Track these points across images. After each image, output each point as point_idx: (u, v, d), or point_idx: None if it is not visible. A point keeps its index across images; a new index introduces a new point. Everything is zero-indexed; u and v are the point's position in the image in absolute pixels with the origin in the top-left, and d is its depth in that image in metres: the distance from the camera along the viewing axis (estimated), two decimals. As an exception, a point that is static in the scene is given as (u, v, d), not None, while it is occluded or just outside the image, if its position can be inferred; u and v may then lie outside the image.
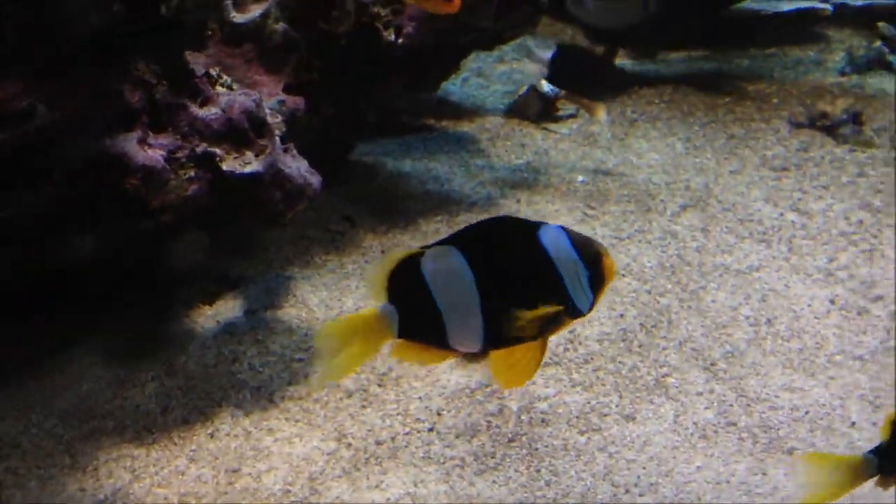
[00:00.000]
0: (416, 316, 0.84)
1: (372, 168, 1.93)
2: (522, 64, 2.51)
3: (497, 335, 0.84)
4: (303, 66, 1.56)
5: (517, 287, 0.84)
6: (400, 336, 0.84)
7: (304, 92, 1.58)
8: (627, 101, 2.21)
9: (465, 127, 2.14)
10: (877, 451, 0.94)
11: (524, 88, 2.17)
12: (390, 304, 0.84)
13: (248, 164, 1.24)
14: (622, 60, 2.38)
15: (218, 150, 1.24)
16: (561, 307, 0.84)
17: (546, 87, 2.15)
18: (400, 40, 1.64)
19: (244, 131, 1.26)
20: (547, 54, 2.18)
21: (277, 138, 1.30)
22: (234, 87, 1.33)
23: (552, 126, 2.12)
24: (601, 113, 2.12)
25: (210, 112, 1.25)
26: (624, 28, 2.25)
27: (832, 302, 1.48)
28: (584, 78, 2.21)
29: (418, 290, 0.84)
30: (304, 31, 1.56)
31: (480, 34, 1.77)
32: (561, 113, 2.16)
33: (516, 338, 0.85)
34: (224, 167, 1.23)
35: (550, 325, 0.85)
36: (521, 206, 1.77)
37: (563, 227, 0.85)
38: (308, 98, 1.60)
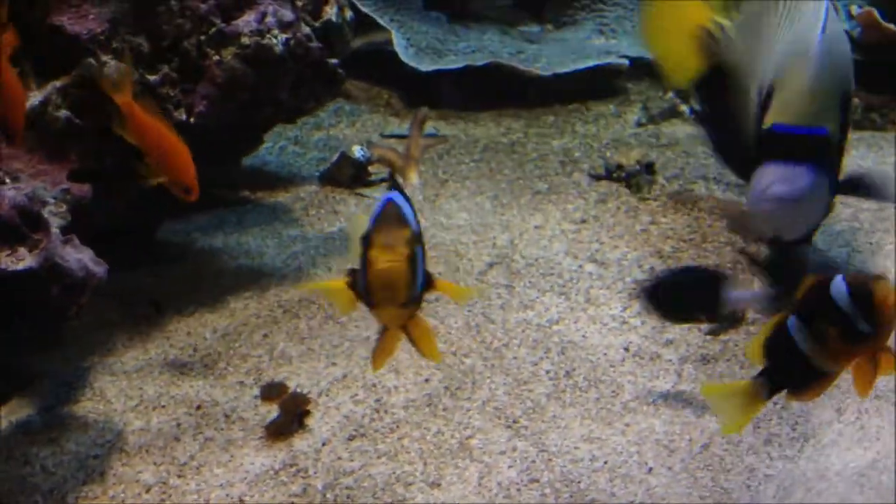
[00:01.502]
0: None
1: (181, 246, 1.90)
2: (339, 129, 2.54)
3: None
4: (89, 153, 1.53)
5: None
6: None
7: (97, 177, 1.55)
8: (438, 161, 2.27)
9: (280, 196, 2.15)
10: (762, 374, 1.12)
11: (335, 156, 2.19)
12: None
13: (22, 260, 1.21)
14: (433, 123, 2.43)
15: (-12, 249, 1.20)
16: None
17: (357, 152, 2.18)
18: (192, 119, 1.63)
19: (16, 227, 1.22)
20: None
21: (55, 231, 1.27)
22: (7, 180, 1.30)
23: (365, 191, 2.15)
24: (413, 176, 2.17)
25: (-22, 210, 1.20)
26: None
27: (626, 349, 1.54)
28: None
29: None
30: (90, 117, 1.53)
31: (279, 108, 1.78)
32: (374, 177, 2.19)
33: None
34: (-5, 266, 1.19)
35: None
36: (333, 275, 1.78)
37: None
38: (103, 182, 1.57)
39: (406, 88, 2.67)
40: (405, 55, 2.59)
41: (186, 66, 1.64)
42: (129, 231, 1.75)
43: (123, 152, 1.62)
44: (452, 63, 2.60)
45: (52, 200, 1.41)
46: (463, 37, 2.84)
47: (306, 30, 1.75)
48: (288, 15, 1.70)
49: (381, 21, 2.70)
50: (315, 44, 1.75)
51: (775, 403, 1.31)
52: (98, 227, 1.56)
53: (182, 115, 1.62)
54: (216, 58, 1.65)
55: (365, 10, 2.70)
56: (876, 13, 2.36)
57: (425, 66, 2.57)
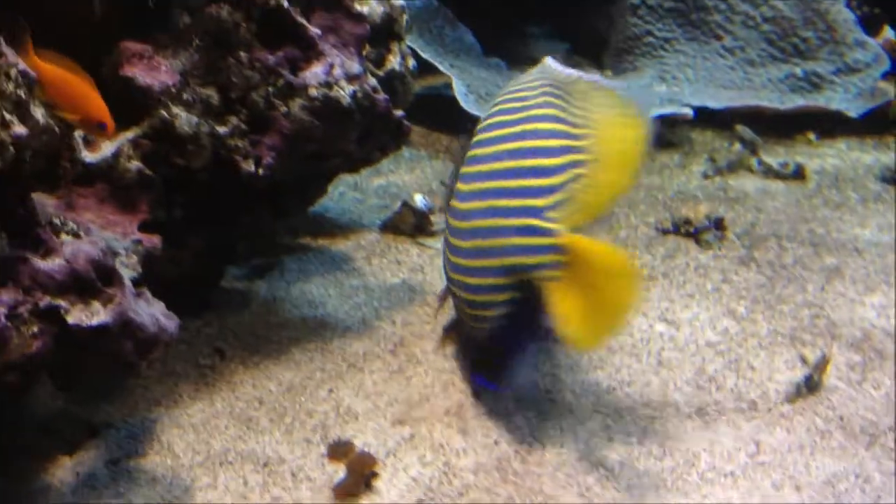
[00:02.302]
0: None
1: (245, 294, 1.89)
2: (399, 176, 2.53)
3: None
4: (159, 204, 1.53)
5: None
6: None
7: (165, 228, 1.55)
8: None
9: (341, 245, 2.13)
10: None
11: (398, 204, 2.17)
12: None
13: (96, 314, 1.19)
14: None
15: (63, 303, 1.18)
16: None
17: (420, 201, 2.16)
18: (260, 171, 1.62)
19: (90, 281, 1.21)
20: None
21: (128, 285, 1.25)
22: (81, 233, 1.29)
23: (427, 241, 2.13)
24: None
25: (54, 263, 1.19)
26: None
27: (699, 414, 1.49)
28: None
29: None
30: (160, 168, 1.53)
31: (345, 159, 1.77)
32: (436, 227, 2.16)
33: None
34: (70, 320, 1.18)
35: None
36: (397, 329, 1.75)
37: None
38: (171, 233, 1.56)
39: (466, 133, 2.65)
40: (465, 102, 2.58)
41: (254, 118, 1.63)
42: (195, 280, 1.74)
43: (191, 204, 1.63)
44: (513, 110, 2.58)
45: (123, 252, 1.40)
46: (523, 83, 2.82)
47: (373, 81, 1.74)
48: (355, 67, 1.69)
49: (441, 67, 2.70)
50: (381, 95, 1.74)
51: None
52: (166, 278, 1.55)
53: (250, 167, 1.61)
54: (284, 109, 1.64)
55: (425, 56, 2.71)
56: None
57: (485, 112, 2.55)
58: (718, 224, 2.03)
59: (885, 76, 2.66)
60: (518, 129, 1.44)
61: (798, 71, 2.75)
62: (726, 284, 1.85)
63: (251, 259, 2.02)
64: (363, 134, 1.76)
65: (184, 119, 1.54)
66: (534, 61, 1.74)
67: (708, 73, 2.88)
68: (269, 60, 1.64)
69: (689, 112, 2.56)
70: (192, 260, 1.69)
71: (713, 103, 2.66)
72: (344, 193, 2.38)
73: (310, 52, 1.68)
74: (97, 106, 1.31)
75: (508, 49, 3.11)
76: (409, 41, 2.65)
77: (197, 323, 1.76)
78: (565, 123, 1.41)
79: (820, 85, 2.71)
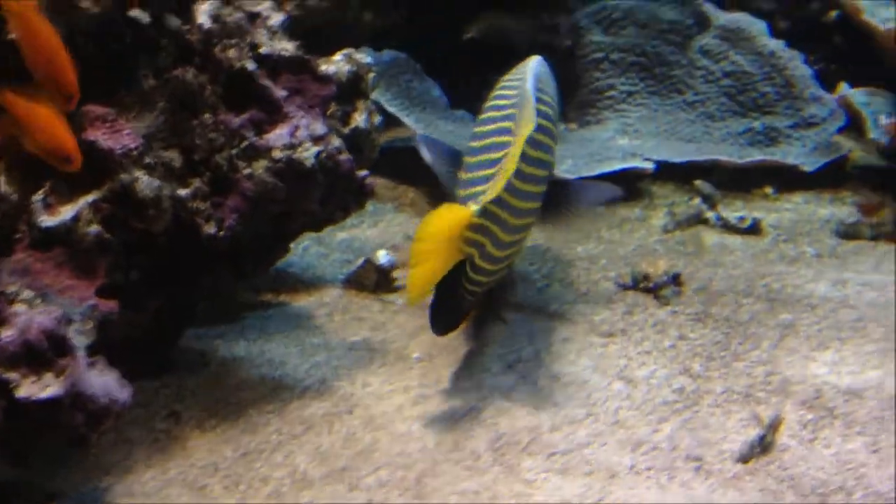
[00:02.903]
0: None
1: (205, 354, 1.89)
2: (363, 230, 2.54)
3: None
4: (118, 268, 1.53)
5: None
6: None
7: (123, 291, 1.55)
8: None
9: (303, 301, 2.14)
10: None
11: (360, 261, 2.19)
12: None
13: (48, 387, 1.20)
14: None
15: (13, 376, 1.19)
16: None
17: (382, 258, 2.17)
18: (222, 233, 1.63)
19: (43, 352, 1.21)
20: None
21: (81, 355, 1.26)
22: (38, 300, 1.29)
23: (389, 297, 2.14)
24: (438, 281, 2.16)
25: (6, 335, 1.20)
26: None
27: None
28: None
29: None
30: (119, 231, 1.54)
31: (308, 219, 1.79)
32: (399, 283, 2.18)
33: None
34: (19, 393, 1.18)
35: None
36: (356, 389, 1.76)
37: None
38: (128, 296, 1.57)
39: (430, 187, 2.68)
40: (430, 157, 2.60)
41: (217, 180, 1.65)
42: (153, 340, 1.74)
43: (150, 266, 1.64)
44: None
45: (78, 318, 1.40)
46: (488, 136, 2.86)
47: (337, 142, 1.76)
48: (320, 128, 1.72)
49: (406, 121, 2.73)
50: (345, 156, 1.76)
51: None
52: (123, 340, 1.55)
53: (212, 229, 1.62)
54: (247, 171, 1.66)
55: (392, 110, 2.74)
56: (903, 124, 2.36)
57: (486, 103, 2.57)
58: (676, 279, 2.06)
59: (840, 131, 2.72)
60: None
61: (757, 125, 2.81)
62: (683, 341, 1.87)
63: (212, 318, 2.02)
64: (326, 194, 1.78)
65: (145, 183, 1.55)
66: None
67: (670, 127, 2.93)
68: (233, 123, 1.67)
69: (650, 166, 2.60)
70: (151, 321, 1.70)
71: (674, 157, 2.70)
72: (308, 248, 2.39)
73: (275, 114, 1.71)
74: (63, 140, 1.33)
75: (475, 101, 3.15)
76: (377, 95, 2.69)
77: (155, 384, 1.76)
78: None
79: (777, 139, 2.77)
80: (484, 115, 1.83)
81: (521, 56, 2.03)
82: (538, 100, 1.76)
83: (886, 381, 1.70)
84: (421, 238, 1.58)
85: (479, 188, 1.69)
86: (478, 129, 1.81)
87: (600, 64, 3.07)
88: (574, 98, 3.14)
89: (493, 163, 1.70)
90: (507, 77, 1.92)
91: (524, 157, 1.67)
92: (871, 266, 2.15)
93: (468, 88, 3.15)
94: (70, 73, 1.36)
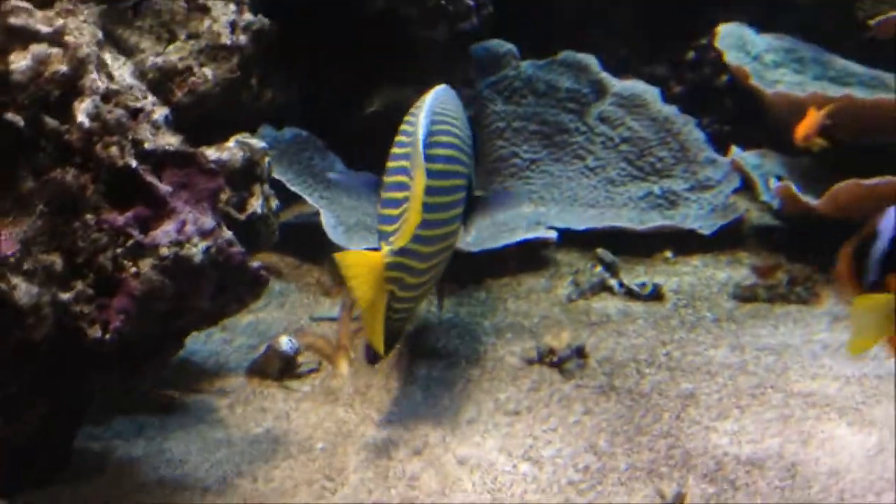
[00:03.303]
0: None
1: (100, 456, 1.82)
2: (268, 312, 2.50)
3: None
4: (-4, 380, 1.47)
5: None
6: None
7: (3, 403, 1.49)
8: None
9: (206, 392, 2.08)
10: None
11: (263, 347, 2.15)
12: None
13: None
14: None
15: None
16: None
17: (285, 343, 2.14)
18: (108, 336, 1.58)
19: None
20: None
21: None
22: None
23: (294, 384, 2.10)
24: (344, 366, 2.13)
25: None
26: None
27: (562, 563, 1.49)
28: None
29: None
30: (-1, 343, 1.49)
31: (200, 315, 1.75)
32: (303, 368, 2.14)
33: None
34: None
35: None
36: (259, 485, 1.71)
37: None
38: (8, 408, 1.51)
39: (335, 265, 2.66)
40: (334, 235, 2.58)
41: (102, 281, 1.60)
42: (41, 447, 1.67)
43: (33, 373, 1.58)
44: (382, 240, 2.61)
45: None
46: (393, 210, 2.86)
47: (227, 234, 1.73)
48: (208, 223, 1.69)
49: (310, 200, 2.71)
50: (236, 249, 1.73)
51: None
52: (7, 452, 1.49)
53: (97, 333, 1.57)
54: (133, 270, 1.61)
55: (294, 189, 2.72)
56: (793, 186, 2.43)
57: (354, 245, 2.56)
58: (580, 352, 2.07)
59: (735, 192, 2.79)
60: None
61: (656, 189, 2.87)
62: (588, 416, 1.88)
63: (110, 414, 1.95)
64: (219, 287, 1.75)
65: (23, 290, 1.50)
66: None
67: (573, 193, 2.98)
68: (117, 221, 1.63)
69: (553, 236, 2.62)
70: (36, 429, 1.63)
71: (576, 224, 2.74)
72: (211, 334, 2.34)
73: (161, 210, 1.67)
74: None
75: (380, 173, 3.15)
76: (278, 174, 2.67)
77: (47, 491, 1.68)
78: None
79: (676, 202, 2.82)
80: (392, 150, 1.90)
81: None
82: (431, 143, 1.84)
83: (786, 449, 1.73)
84: (352, 276, 1.74)
85: (390, 227, 1.81)
86: (388, 164, 1.88)
87: (503, 133, 3.11)
88: (479, 166, 3.17)
89: (399, 202, 1.80)
90: (410, 111, 1.97)
91: (426, 206, 1.76)
92: (769, 330, 2.19)
93: (371, 161, 3.16)
94: None
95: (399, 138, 1.90)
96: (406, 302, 1.86)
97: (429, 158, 1.80)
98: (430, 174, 1.79)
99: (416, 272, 1.82)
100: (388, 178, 1.84)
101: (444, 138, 1.90)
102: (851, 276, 1.27)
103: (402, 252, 1.77)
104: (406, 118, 1.94)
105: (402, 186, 1.79)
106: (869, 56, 2.92)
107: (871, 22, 2.66)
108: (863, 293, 1.22)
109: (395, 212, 1.79)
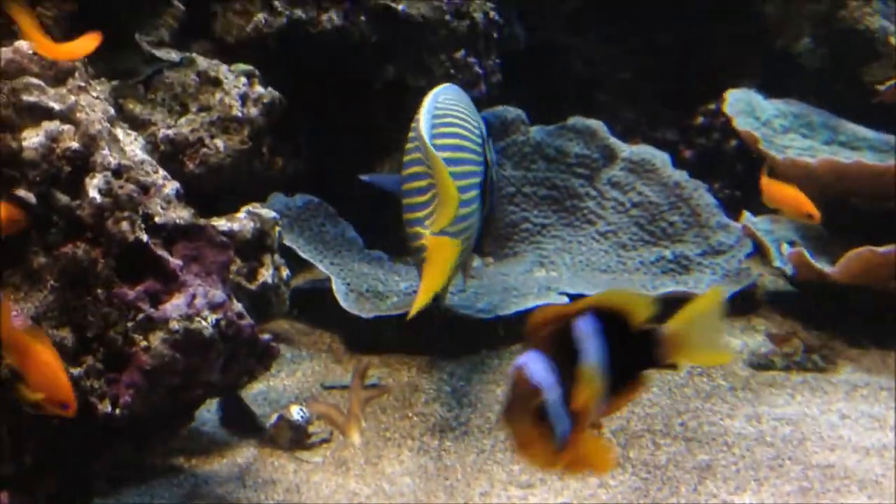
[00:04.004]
0: None
1: (108, 532, 1.80)
2: (279, 380, 2.49)
3: None
4: (4, 458, 1.46)
5: None
6: None
7: (14, 479, 1.48)
8: (381, 415, 2.21)
9: (216, 464, 2.06)
10: None
11: (274, 417, 2.13)
12: None
13: None
14: (377, 370, 2.39)
15: None
16: None
17: (296, 413, 2.12)
18: (118, 411, 1.57)
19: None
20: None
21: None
22: None
23: (305, 455, 2.08)
24: (356, 436, 2.11)
25: None
26: None
27: None
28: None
29: None
30: (8, 418, 1.47)
31: (209, 388, 1.74)
32: (314, 439, 2.12)
33: None
34: None
35: None
36: (267, 563, 1.68)
37: None
38: (19, 482, 1.49)
39: (348, 331, 2.65)
40: (345, 302, 2.58)
41: (112, 355, 1.59)
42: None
43: (44, 448, 1.56)
44: (393, 307, 2.60)
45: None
46: (404, 276, 2.86)
47: (237, 307, 1.73)
48: (219, 296, 1.69)
49: (321, 266, 2.71)
50: (246, 321, 1.73)
51: None
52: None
53: (107, 408, 1.56)
54: (144, 344, 1.61)
55: (305, 256, 2.72)
56: (806, 253, 2.42)
57: (366, 312, 2.56)
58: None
59: (748, 257, 2.78)
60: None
61: (667, 253, 2.86)
62: (603, 489, 1.84)
63: (117, 488, 1.93)
64: (228, 360, 1.74)
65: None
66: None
67: (584, 258, 2.97)
68: (128, 296, 1.63)
69: (564, 300, 2.61)
70: (48, 499, 1.61)
71: (588, 290, 2.72)
72: (222, 403, 2.32)
73: (171, 284, 1.67)
74: (63, 386, 1.37)
75: (391, 240, 3.16)
76: (289, 241, 2.68)
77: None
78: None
79: (689, 267, 2.81)
80: (406, 148, 2.06)
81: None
82: (437, 133, 2.00)
83: (805, 523, 1.69)
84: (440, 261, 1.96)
85: (421, 213, 2.00)
86: (404, 158, 2.06)
87: (513, 198, 3.12)
88: (490, 232, 3.18)
89: (424, 190, 2.00)
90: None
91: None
92: (785, 399, 2.16)
93: (383, 226, 3.16)
94: (69, 391, 1.40)
95: (409, 134, 2.04)
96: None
97: (436, 148, 1.94)
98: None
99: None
100: (405, 171, 2.02)
101: (448, 129, 2.04)
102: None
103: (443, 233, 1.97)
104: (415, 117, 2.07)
105: (420, 176, 1.97)
106: (878, 120, 2.93)
107: (880, 87, 2.67)
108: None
109: (423, 198, 1.98)
